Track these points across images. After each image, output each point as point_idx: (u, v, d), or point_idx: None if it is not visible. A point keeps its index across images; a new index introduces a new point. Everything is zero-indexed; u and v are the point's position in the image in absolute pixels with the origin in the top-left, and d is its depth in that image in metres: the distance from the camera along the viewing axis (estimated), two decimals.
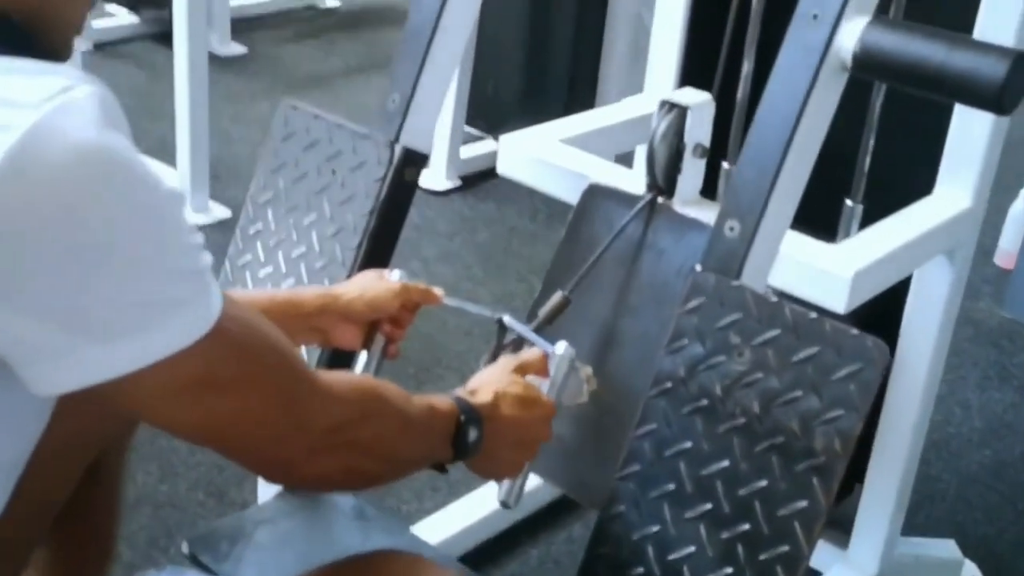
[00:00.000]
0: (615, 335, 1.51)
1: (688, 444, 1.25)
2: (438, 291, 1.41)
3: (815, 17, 1.26)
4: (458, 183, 3.39)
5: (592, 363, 1.47)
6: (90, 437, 1.19)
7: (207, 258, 0.86)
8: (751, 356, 1.23)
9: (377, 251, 1.55)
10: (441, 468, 1.18)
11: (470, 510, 1.96)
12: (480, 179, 3.36)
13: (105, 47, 4.21)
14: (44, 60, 0.81)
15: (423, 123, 1.58)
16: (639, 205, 1.51)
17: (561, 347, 1.30)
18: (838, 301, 1.46)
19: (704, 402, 1.24)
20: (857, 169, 1.85)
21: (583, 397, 1.46)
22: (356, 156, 1.57)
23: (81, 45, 3.75)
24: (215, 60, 4.12)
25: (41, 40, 0.84)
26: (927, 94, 1.26)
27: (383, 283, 1.37)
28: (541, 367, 1.29)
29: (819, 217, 1.88)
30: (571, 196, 1.61)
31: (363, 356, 1.40)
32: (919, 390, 1.77)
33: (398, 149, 1.55)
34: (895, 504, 1.85)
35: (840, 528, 1.94)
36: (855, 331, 1.18)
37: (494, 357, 1.34)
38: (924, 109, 1.69)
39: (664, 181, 1.52)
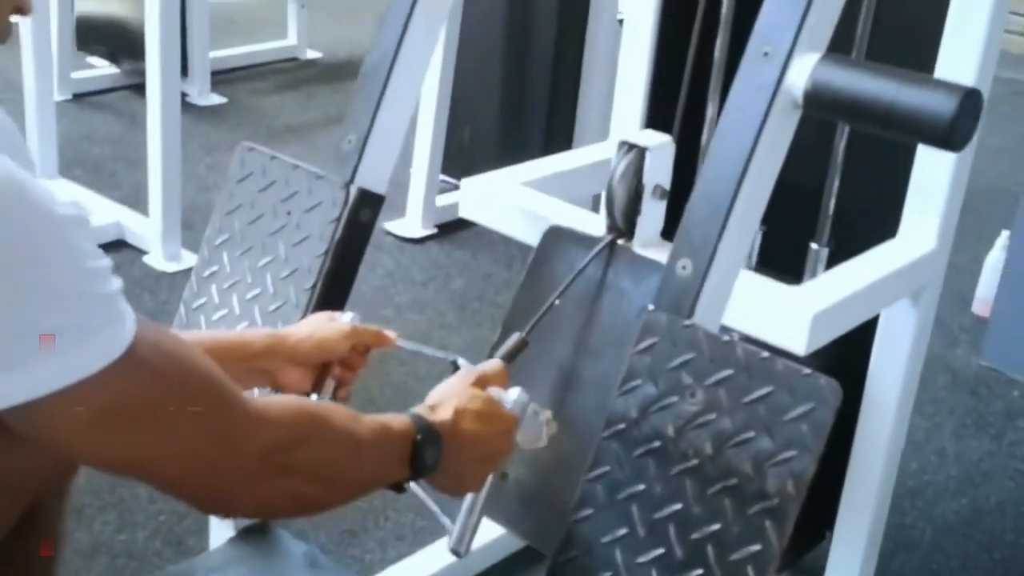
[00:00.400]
0: (575, 377, 1.48)
1: (641, 487, 1.22)
2: (391, 334, 1.38)
3: (766, 54, 1.25)
4: (433, 231, 3.38)
5: (552, 406, 1.45)
6: (20, 481, 1.15)
7: (116, 283, 0.83)
8: (703, 396, 1.20)
9: (332, 293, 1.53)
10: (399, 488, 1.14)
11: (433, 560, 1.92)
12: (456, 227, 3.35)
13: (84, 97, 4.23)
14: None
15: (379, 164, 1.57)
16: (598, 247, 1.49)
17: (514, 393, 1.27)
18: (798, 343, 1.44)
19: (656, 444, 1.22)
20: (822, 212, 1.84)
21: (542, 441, 1.43)
22: (312, 197, 1.56)
23: (57, 95, 3.76)
24: (194, 110, 4.14)
25: None
26: (879, 132, 1.25)
27: (333, 325, 1.35)
28: (501, 379, 1.26)
29: (785, 260, 1.88)
30: (533, 238, 1.59)
31: (313, 400, 1.37)
32: (887, 433, 1.74)
33: (353, 190, 1.53)
34: (865, 551, 1.82)
35: None
36: (807, 370, 1.16)
37: None
38: (889, 151, 1.69)
39: (624, 223, 1.50)
